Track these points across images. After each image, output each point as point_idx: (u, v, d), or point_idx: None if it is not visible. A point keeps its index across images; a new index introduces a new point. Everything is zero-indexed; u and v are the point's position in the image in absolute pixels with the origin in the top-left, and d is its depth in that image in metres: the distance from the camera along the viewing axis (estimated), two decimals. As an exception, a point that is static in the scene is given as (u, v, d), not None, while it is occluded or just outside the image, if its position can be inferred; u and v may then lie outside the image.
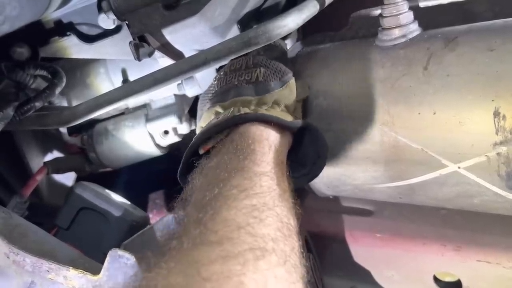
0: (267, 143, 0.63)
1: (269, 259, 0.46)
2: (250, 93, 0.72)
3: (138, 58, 0.79)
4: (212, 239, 0.47)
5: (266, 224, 0.50)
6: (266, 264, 0.46)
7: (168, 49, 0.80)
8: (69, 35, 0.93)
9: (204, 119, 0.74)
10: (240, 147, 0.62)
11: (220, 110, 0.72)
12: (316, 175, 0.70)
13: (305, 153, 0.70)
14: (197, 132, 0.76)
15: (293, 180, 0.66)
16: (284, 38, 0.86)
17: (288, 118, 0.70)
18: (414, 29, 0.74)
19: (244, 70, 0.76)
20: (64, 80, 0.91)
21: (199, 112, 0.81)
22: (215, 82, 0.79)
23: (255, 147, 0.62)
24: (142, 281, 0.44)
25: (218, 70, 0.91)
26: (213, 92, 0.77)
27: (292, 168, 0.68)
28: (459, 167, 0.66)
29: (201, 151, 0.68)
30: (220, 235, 0.47)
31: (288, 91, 0.74)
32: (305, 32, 0.96)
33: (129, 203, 1.04)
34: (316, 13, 0.73)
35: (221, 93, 0.75)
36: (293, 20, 0.69)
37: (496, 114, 0.61)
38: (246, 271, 0.44)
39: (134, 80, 0.79)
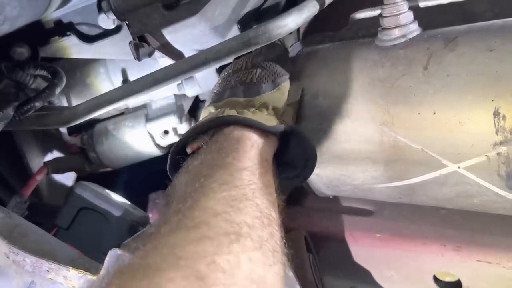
0: (250, 143, 0.65)
1: (243, 242, 0.48)
2: (241, 94, 0.75)
3: (138, 58, 0.79)
4: (189, 224, 0.49)
5: (244, 213, 0.52)
6: (240, 247, 0.47)
7: (168, 49, 0.80)
8: (69, 35, 0.93)
9: (201, 117, 0.76)
10: (223, 147, 0.64)
11: (213, 110, 0.74)
12: (307, 177, 0.72)
13: (294, 156, 0.71)
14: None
15: (286, 180, 0.69)
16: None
17: (272, 122, 0.71)
18: (414, 29, 0.74)
19: (244, 71, 0.78)
20: (64, 80, 0.91)
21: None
22: (219, 82, 0.81)
23: (238, 146, 0.64)
24: (120, 264, 0.47)
25: (218, 70, 0.91)
26: (215, 91, 0.80)
27: (284, 169, 0.69)
28: (459, 167, 0.66)
29: (189, 151, 0.70)
30: (197, 221, 0.49)
31: (279, 94, 0.76)
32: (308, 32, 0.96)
33: (129, 203, 1.04)
34: (316, 13, 0.73)
35: (220, 93, 0.78)
36: (293, 20, 0.69)
37: (496, 114, 0.61)
38: (220, 252, 0.46)
39: (134, 80, 0.79)
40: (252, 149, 0.64)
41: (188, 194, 0.55)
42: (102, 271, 0.69)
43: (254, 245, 0.49)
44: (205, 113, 0.76)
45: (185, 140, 0.70)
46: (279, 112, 0.74)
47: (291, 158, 0.71)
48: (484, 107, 0.62)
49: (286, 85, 0.77)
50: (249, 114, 0.70)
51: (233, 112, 0.70)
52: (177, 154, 0.70)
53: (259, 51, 0.80)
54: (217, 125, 0.68)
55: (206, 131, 0.69)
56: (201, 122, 0.70)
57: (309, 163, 0.70)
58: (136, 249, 0.47)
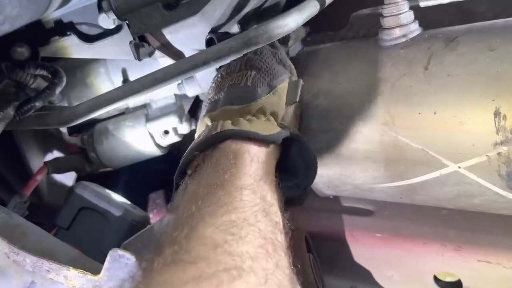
0: (249, 156, 0.61)
1: (246, 279, 0.44)
2: (235, 101, 0.70)
3: (139, 58, 0.79)
4: (186, 259, 0.44)
5: (246, 242, 0.48)
6: (243, 284, 0.43)
7: (168, 49, 0.80)
8: (69, 34, 0.93)
9: (198, 130, 0.73)
10: (219, 163, 0.59)
11: (208, 122, 0.70)
12: (308, 185, 0.69)
13: (294, 163, 0.68)
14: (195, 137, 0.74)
15: (287, 190, 0.65)
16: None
17: (271, 128, 0.66)
18: (415, 28, 0.74)
19: (237, 73, 0.74)
20: (64, 79, 0.91)
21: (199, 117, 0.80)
22: (213, 85, 0.77)
23: (235, 161, 0.59)
24: None
25: (218, 70, 0.91)
26: (209, 97, 0.76)
27: (286, 177, 0.67)
28: (459, 167, 0.66)
29: (189, 172, 0.66)
30: (194, 255, 0.45)
31: (276, 98, 0.71)
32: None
33: (129, 203, 1.04)
34: (316, 13, 0.73)
35: (214, 100, 0.74)
36: (293, 20, 0.69)
37: (497, 114, 0.61)
38: None
39: (134, 80, 0.79)
40: (252, 164, 0.60)
41: (185, 219, 0.50)
42: (103, 271, 0.69)
43: (258, 281, 0.44)
44: (201, 126, 0.72)
45: (185, 164, 0.66)
46: (278, 116, 0.70)
47: (292, 165, 0.68)
48: (485, 107, 0.62)
49: (283, 86, 0.72)
50: (245, 123, 0.65)
51: (227, 124, 0.65)
52: (180, 179, 0.66)
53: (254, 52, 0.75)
54: (213, 142, 0.64)
55: (202, 150, 0.65)
56: (196, 143, 0.66)
57: (309, 171, 0.67)
58: None
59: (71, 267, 0.70)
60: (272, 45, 0.76)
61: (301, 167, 0.67)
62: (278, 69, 0.74)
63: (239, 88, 0.71)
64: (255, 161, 0.60)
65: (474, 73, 0.64)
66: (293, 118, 0.74)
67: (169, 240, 0.48)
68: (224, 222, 0.49)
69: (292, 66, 0.77)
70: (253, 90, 0.70)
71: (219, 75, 0.78)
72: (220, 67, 0.81)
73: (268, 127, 0.66)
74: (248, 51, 0.70)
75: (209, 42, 0.77)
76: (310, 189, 0.87)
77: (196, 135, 0.72)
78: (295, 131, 0.70)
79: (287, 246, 0.53)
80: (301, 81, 0.75)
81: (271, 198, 0.57)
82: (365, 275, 0.95)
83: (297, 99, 0.73)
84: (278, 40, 0.73)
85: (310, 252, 0.95)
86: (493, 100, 0.62)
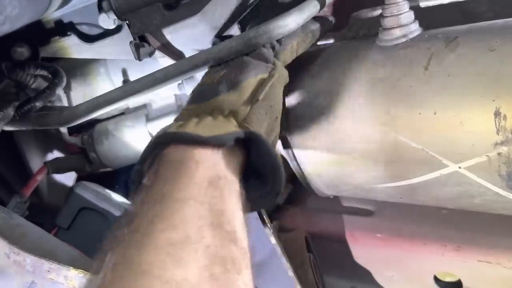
0: (194, 162, 0.52)
1: None
2: (196, 99, 0.63)
3: (139, 58, 0.79)
4: None
5: (184, 265, 0.41)
6: None
7: (168, 49, 0.80)
8: (70, 35, 0.93)
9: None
10: (161, 174, 0.52)
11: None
12: (277, 190, 0.58)
13: (259, 168, 0.58)
14: None
15: (260, 200, 0.58)
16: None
17: (228, 129, 0.57)
18: (415, 29, 0.74)
19: (214, 71, 0.68)
20: (65, 79, 0.91)
21: None
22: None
23: (179, 169, 0.51)
24: None
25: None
26: None
27: (257, 186, 0.58)
28: (459, 167, 0.66)
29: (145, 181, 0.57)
30: (118, 286, 0.39)
31: (236, 95, 0.62)
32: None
33: (129, 203, 1.04)
34: (316, 13, 0.73)
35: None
36: (293, 20, 0.69)
37: (497, 114, 0.61)
38: None
39: (135, 80, 0.79)
40: (198, 169, 0.51)
41: (112, 246, 0.44)
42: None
43: None
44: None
45: (139, 173, 0.57)
46: (238, 116, 0.61)
47: (258, 170, 0.58)
48: (485, 107, 0.62)
49: (249, 82, 0.63)
50: (190, 125, 0.56)
51: (172, 127, 0.57)
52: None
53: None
54: (153, 149, 0.55)
55: (147, 158, 0.56)
56: (143, 150, 0.57)
57: (276, 175, 0.57)
58: None
59: (71, 267, 0.70)
60: None
61: (267, 171, 0.58)
62: (253, 64, 0.66)
63: (204, 86, 0.65)
64: (201, 166, 0.52)
65: (474, 73, 0.64)
66: (266, 116, 0.64)
67: (93, 271, 0.43)
68: (158, 244, 0.42)
69: (278, 63, 0.69)
70: (214, 87, 0.63)
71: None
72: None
73: (224, 128, 0.57)
74: (248, 51, 0.70)
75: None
76: (310, 189, 0.87)
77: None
78: (255, 131, 0.59)
79: (245, 263, 0.46)
80: (275, 77, 0.66)
81: (223, 205, 0.49)
82: (365, 275, 0.95)
83: (260, 97, 0.63)
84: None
85: (310, 252, 0.95)
86: (493, 100, 0.62)
